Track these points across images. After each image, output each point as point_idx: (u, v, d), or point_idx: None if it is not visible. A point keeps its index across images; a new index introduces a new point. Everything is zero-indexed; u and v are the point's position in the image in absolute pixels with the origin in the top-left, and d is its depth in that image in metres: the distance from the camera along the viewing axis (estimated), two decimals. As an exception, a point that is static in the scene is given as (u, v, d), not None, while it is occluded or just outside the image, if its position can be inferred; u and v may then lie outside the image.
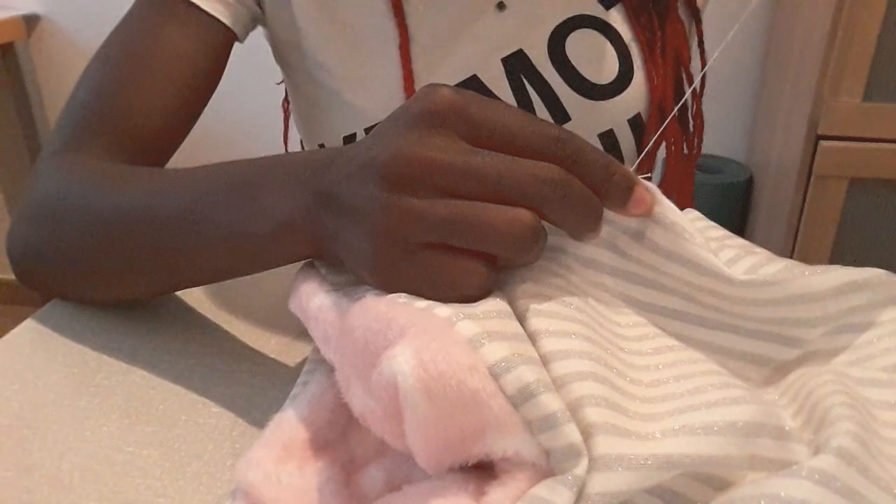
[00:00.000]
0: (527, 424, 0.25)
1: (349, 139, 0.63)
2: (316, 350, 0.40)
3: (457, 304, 0.28)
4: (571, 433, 0.24)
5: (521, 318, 0.29)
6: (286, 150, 0.80)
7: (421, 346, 0.24)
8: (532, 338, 0.28)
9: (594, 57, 0.61)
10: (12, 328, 0.46)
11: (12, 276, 0.51)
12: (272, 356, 0.43)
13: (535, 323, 0.29)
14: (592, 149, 0.30)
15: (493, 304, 0.29)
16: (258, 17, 0.62)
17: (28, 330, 0.46)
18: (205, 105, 0.58)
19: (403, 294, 0.30)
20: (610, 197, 0.30)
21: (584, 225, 0.30)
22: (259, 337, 0.46)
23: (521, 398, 0.25)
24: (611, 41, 0.61)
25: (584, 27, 0.61)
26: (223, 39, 0.58)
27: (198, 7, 0.55)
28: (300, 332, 0.45)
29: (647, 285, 0.33)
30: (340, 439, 0.32)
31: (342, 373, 0.30)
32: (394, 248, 0.30)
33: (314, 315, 0.33)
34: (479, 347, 0.25)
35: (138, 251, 0.42)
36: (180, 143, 0.57)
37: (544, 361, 0.27)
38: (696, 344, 0.32)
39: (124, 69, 0.54)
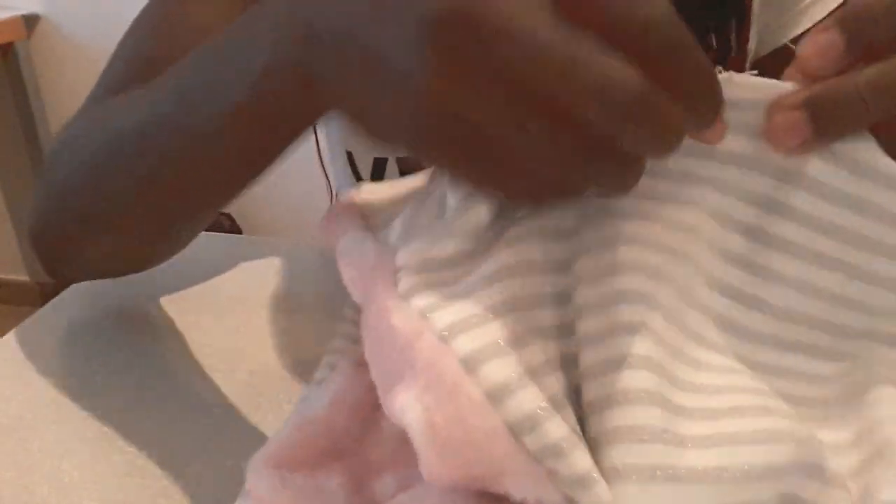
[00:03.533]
0: (552, 475, 0.23)
1: (379, 160, 0.61)
2: (342, 337, 0.37)
3: (485, 328, 0.24)
4: (603, 493, 0.23)
5: (612, 300, 0.26)
6: (317, 142, 0.77)
7: (433, 405, 0.23)
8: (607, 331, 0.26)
9: None
10: (12, 328, 0.46)
11: (12, 276, 0.50)
12: (272, 356, 0.43)
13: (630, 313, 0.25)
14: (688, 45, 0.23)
15: (532, 320, 0.25)
16: None
17: (28, 330, 0.46)
18: None
19: (429, 298, 0.25)
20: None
21: (656, 149, 0.24)
22: (258, 338, 0.46)
23: (545, 455, 0.23)
24: None
25: None
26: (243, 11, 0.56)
27: None
28: (301, 332, 0.45)
29: (762, 204, 0.28)
30: (356, 446, 0.31)
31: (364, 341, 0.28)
32: (444, 123, 0.24)
33: (343, 251, 0.31)
34: (500, 402, 0.23)
35: (136, 167, 0.38)
36: None
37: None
38: (795, 283, 0.28)
39: (145, 44, 0.52)
